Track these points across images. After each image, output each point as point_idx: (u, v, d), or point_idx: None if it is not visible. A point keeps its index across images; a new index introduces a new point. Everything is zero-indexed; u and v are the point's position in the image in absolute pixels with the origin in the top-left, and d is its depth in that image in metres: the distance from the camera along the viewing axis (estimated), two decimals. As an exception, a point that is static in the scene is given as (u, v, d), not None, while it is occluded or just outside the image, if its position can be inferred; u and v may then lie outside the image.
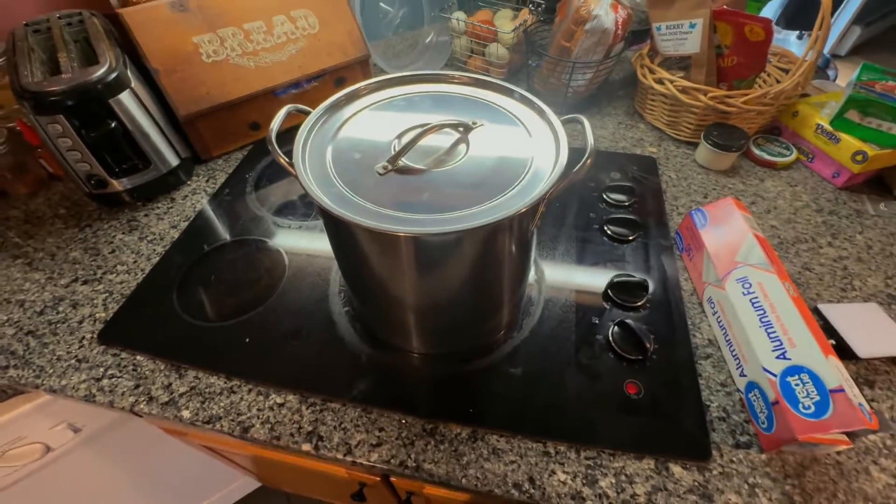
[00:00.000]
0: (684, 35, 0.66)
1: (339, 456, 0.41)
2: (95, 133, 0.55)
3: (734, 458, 0.40)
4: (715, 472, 0.39)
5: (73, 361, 0.47)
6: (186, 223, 0.62)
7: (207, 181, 0.68)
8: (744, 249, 0.48)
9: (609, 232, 0.59)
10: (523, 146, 0.38)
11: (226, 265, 0.56)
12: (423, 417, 0.43)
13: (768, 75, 0.77)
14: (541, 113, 0.40)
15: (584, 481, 0.39)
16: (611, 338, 0.48)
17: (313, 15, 0.71)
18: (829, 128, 0.65)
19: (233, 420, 0.43)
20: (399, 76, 0.45)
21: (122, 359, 0.48)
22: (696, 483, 0.39)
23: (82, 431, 0.59)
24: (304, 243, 0.59)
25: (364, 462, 0.40)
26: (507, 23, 0.82)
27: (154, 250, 0.58)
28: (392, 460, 0.40)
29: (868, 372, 0.46)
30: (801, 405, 0.38)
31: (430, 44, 0.95)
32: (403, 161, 0.37)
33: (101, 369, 0.47)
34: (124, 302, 0.52)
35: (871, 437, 0.41)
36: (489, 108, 0.42)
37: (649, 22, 0.73)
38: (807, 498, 0.38)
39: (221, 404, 0.44)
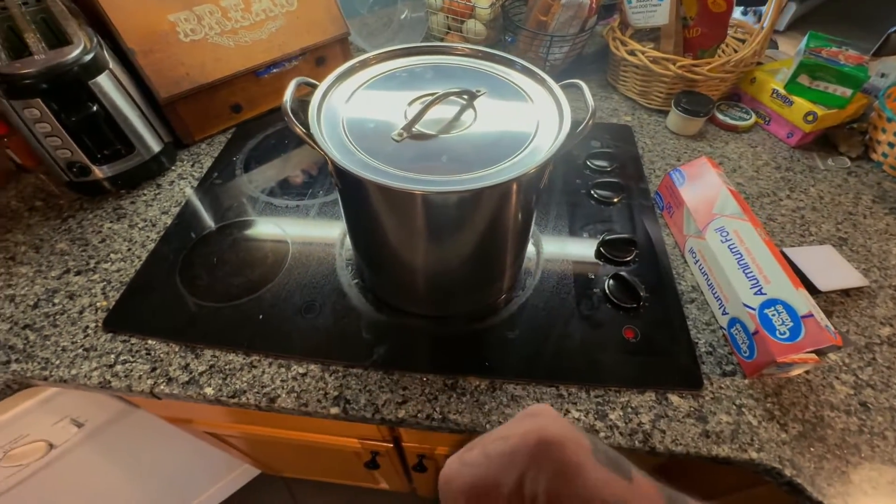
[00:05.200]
0: (654, 7, 0.70)
1: (368, 415, 0.43)
2: (76, 117, 0.52)
3: (722, 385, 0.45)
4: (707, 398, 0.44)
5: (80, 351, 0.47)
6: (178, 208, 0.60)
7: (192, 166, 0.67)
8: (719, 202, 0.53)
9: (595, 195, 0.63)
10: (527, 112, 0.41)
11: (227, 247, 0.56)
12: (444, 374, 0.45)
13: (727, 45, 0.83)
14: (541, 81, 0.43)
15: (596, 416, 0.43)
16: (607, 290, 0.52)
17: (290, -9, 0.70)
18: (784, 91, 0.71)
19: (257, 392, 0.44)
20: (401, 48, 0.46)
21: (132, 344, 0.47)
22: (692, 408, 0.44)
23: (85, 426, 0.58)
24: (303, 221, 0.59)
25: (392, 418, 0.42)
26: (482, -2, 0.83)
27: (148, 237, 0.57)
28: (419, 414, 0.43)
29: (826, 304, 0.52)
30: (777, 332, 0.43)
31: (405, 21, 0.95)
32: (417, 128, 0.38)
33: (112, 356, 0.46)
34: (125, 289, 0.51)
35: (833, 356, 0.48)
36: (491, 78, 0.44)
37: (619, -4, 0.76)
38: (784, 412, 0.44)
39: (244, 379, 0.45)
